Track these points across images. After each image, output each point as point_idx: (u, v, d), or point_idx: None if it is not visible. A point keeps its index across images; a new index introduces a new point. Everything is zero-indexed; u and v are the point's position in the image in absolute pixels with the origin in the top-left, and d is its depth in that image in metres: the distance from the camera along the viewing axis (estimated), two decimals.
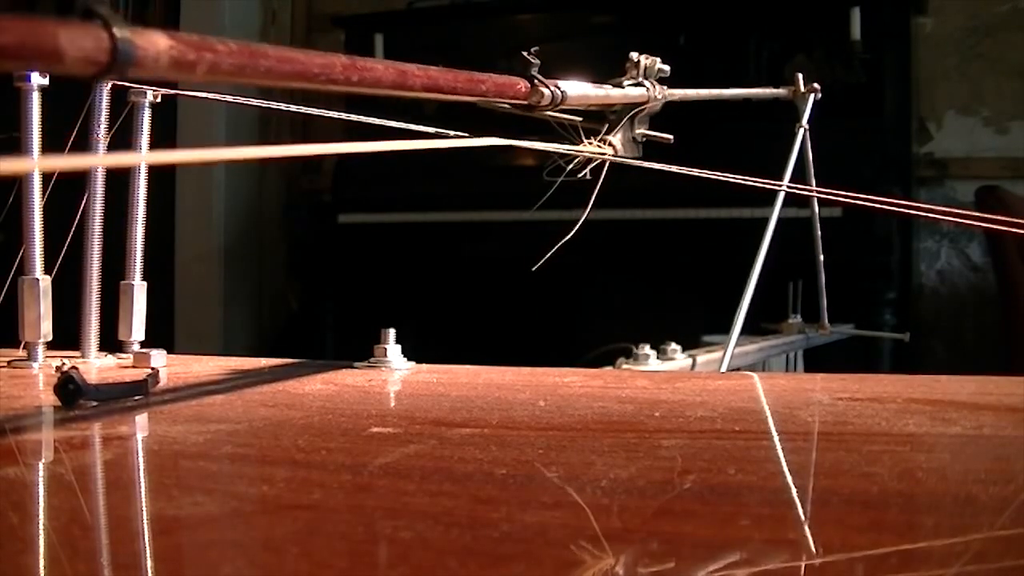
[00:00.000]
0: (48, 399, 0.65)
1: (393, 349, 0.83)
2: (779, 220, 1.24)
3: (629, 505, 0.40)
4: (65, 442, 0.54)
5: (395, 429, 0.58)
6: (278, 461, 0.50)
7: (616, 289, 2.59)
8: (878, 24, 2.49)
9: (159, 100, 0.89)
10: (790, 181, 1.20)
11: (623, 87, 0.81)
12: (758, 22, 2.60)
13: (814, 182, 1.31)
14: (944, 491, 0.43)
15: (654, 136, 0.85)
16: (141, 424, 0.60)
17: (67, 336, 0.87)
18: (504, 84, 0.64)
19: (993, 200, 2.24)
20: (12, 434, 0.55)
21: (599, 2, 2.84)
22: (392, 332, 0.83)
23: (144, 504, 0.42)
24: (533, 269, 0.79)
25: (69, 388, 0.60)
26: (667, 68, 0.86)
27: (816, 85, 1.26)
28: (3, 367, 0.81)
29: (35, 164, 0.81)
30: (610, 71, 0.85)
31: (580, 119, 0.80)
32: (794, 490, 0.43)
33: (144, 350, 0.85)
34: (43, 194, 0.82)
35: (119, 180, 0.88)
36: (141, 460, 0.51)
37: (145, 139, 0.89)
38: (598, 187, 0.78)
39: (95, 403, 0.61)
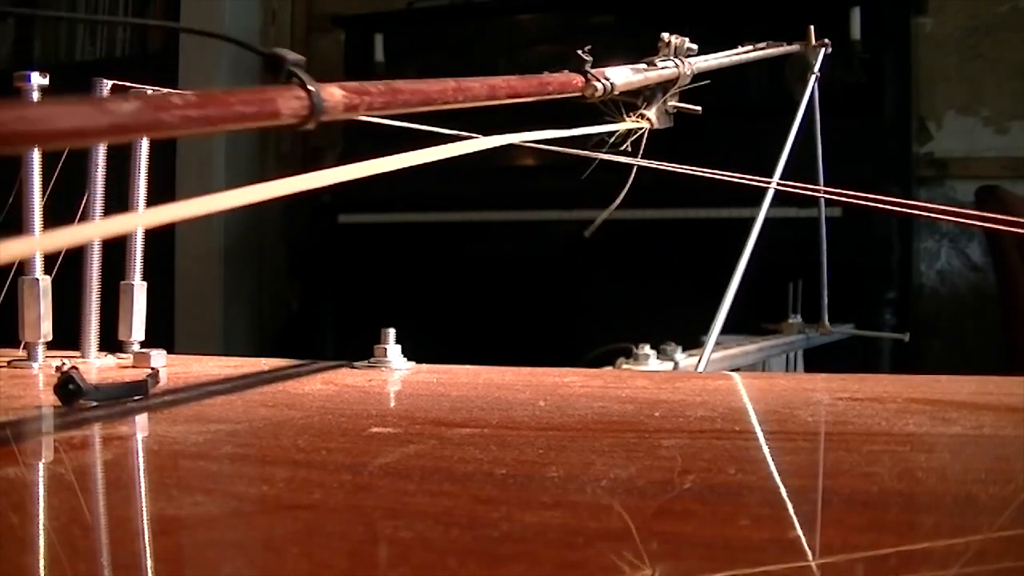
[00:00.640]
0: (48, 399, 0.65)
1: (393, 349, 0.83)
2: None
3: (629, 505, 0.40)
4: (65, 442, 0.54)
5: (395, 429, 0.58)
6: (278, 461, 0.50)
7: (616, 289, 2.59)
8: (878, 24, 2.49)
9: None
10: (782, 176, 1.21)
11: (656, 66, 0.88)
12: (758, 22, 2.60)
13: (822, 181, 1.34)
14: (944, 491, 0.43)
15: (684, 108, 0.92)
16: (141, 424, 0.60)
17: (67, 336, 0.87)
18: (565, 82, 0.74)
19: (993, 200, 2.24)
20: (12, 434, 0.55)
21: (599, 2, 2.84)
22: (392, 332, 0.83)
23: (144, 504, 0.42)
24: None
25: (69, 388, 0.60)
26: (695, 46, 0.94)
27: (826, 40, 1.35)
28: (3, 367, 0.81)
29: (35, 170, 0.81)
30: None
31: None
32: (794, 490, 0.43)
33: (144, 350, 0.85)
34: (43, 194, 0.82)
35: (119, 180, 0.88)
36: (141, 460, 0.51)
37: (145, 139, 0.89)
38: (639, 156, 0.85)
39: (95, 403, 0.61)
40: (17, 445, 0.52)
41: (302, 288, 3.09)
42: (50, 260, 0.83)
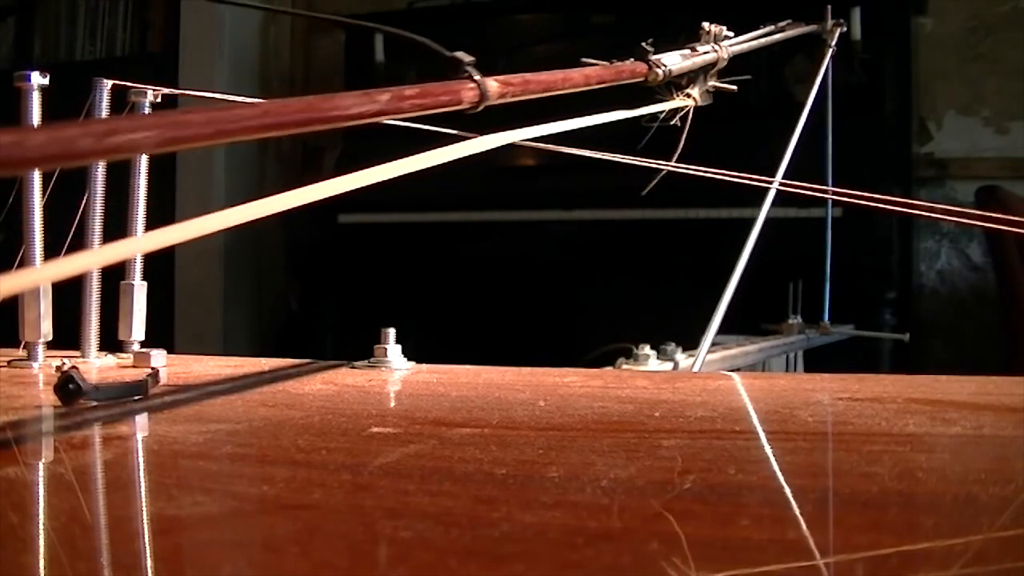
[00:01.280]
0: (48, 399, 0.65)
1: (393, 349, 0.83)
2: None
3: (629, 505, 0.40)
4: (65, 442, 0.54)
5: (395, 429, 0.58)
6: (278, 461, 0.50)
7: (616, 289, 2.59)
8: (878, 24, 2.49)
9: (159, 100, 0.89)
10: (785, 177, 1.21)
11: (698, 51, 1.01)
12: (758, 22, 2.60)
13: (831, 181, 1.39)
14: (944, 491, 0.43)
15: (722, 87, 1.04)
16: (141, 424, 0.60)
17: (67, 336, 0.87)
18: (634, 69, 0.88)
19: (993, 200, 2.24)
20: (12, 434, 0.55)
21: (599, 2, 2.84)
22: (392, 332, 0.83)
23: (144, 504, 0.41)
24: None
25: (69, 388, 0.60)
26: (731, 33, 1.09)
27: (841, 20, 1.47)
28: (3, 367, 0.81)
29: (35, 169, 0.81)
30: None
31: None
32: (794, 490, 0.43)
33: (144, 350, 0.85)
34: (43, 194, 0.82)
35: (119, 180, 0.88)
36: (141, 460, 0.51)
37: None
38: (685, 132, 0.96)
39: (95, 403, 0.61)
40: (17, 445, 0.52)
41: (302, 288, 3.09)
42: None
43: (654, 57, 0.90)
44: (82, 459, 0.51)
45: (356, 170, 0.58)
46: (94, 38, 3.43)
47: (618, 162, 0.86)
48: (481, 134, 0.67)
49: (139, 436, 0.58)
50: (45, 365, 0.81)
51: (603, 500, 0.41)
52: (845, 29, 1.45)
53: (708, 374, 1.14)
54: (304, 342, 2.95)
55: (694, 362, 1.17)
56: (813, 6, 2.65)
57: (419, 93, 0.57)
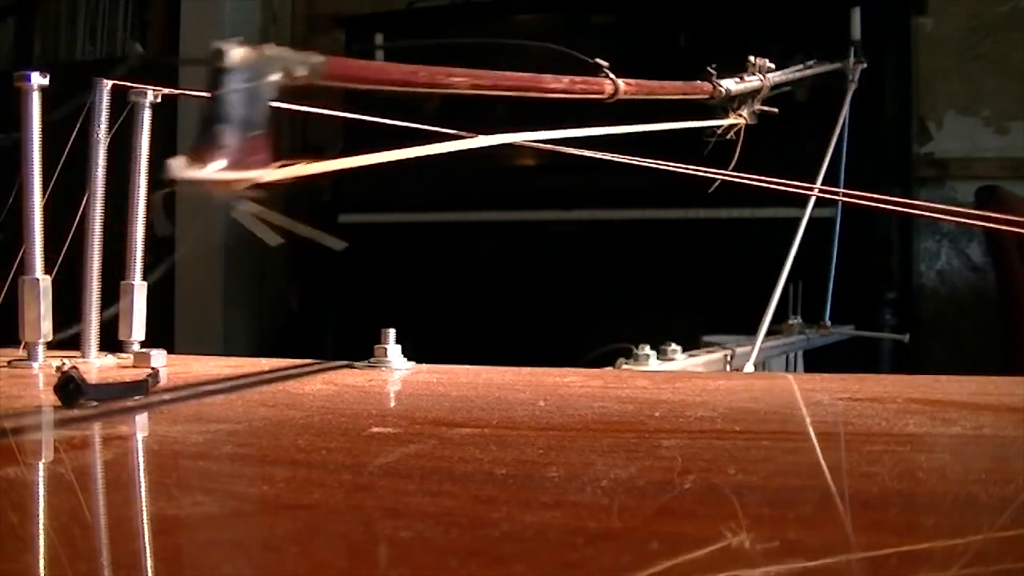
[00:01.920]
0: (48, 399, 0.65)
1: (393, 349, 0.83)
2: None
3: (629, 505, 0.40)
4: (65, 442, 0.54)
5: (395, 429, 0.58)
6: (278, 461, 0.50)
7: (616, 289, 2.59)
8: (878, 24, 2.48)
9: (159, 100, 0.89)
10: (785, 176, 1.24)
11: (745, 80, 1.20)
12: (758, 22, 2.60)
13: (843, 183, 1.48)
14: (944, 491, 0.43)
15: (766, 110, 1.22)
16: (141, 424, 0.60)
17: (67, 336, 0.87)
18: (704, 87, 1.08)
19: (993, 200, 2.23)
20: (12, 434, 0.55)
21: (599, 2, 2.83)
22: (392, 332, 0.83)
23: (144, 504, 0.41)
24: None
25: (69, 388, 0.60)
26: (772, 64, 1.25)
27: (863, 59, 1.68)
28: (3, 367, 0.81)
29: (35, 170, 0.81)
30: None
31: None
32: (794, 490, 0.43)
33: (144, 350, 0.85)
34: (43, 194, 0.82)
35: (119, 180, 0.88)
36: (141, 460, 0.51)
37: (145, 139, 0.89)
38: (739, 147, 1.11)
39: (95, 403, 0.61)
40: (17, 445, 0.52)
41: (302, 288, 3.09)
42: (50, 260, 0.83)
43: (716, 80, 1.11)
44: (82, 459, 0.51)
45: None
46: (94, 38, 3.43)
47: (617, 163, 0.86)
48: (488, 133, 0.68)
49: (139, 436, 0.58)
50: (45, 365, 0.81)
51: (603, 500, 0.41)
52: (865, 66, 1.64)
53: (708, 374, 1.14)
54: (304, 342, 2.95)
55: (747, 361, 1.30)
56: (814, 6, 2.65)
57: (582, 82, 0.81)
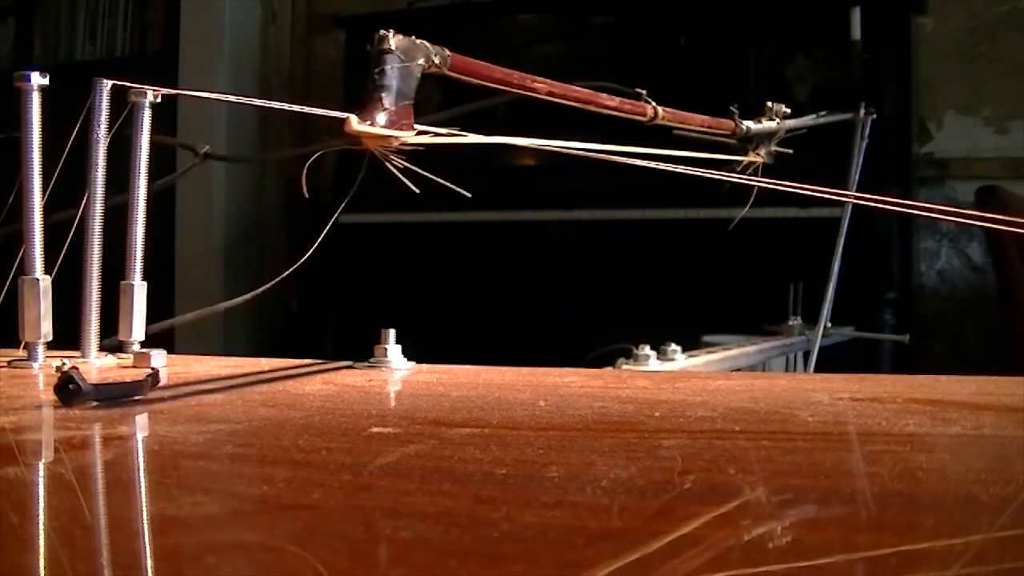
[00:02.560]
0: (48, 399, 0.65)
1: (393, 349, 0.83)
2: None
3: (629, 505, 0.40)
4: (65, 442, 0.54)
5: (395, 429, 0.58)
6: (278, 461, 0.50)
7: (616, 289, 2.59)
8: (878, 24, 2.49)
9: (159, 100, 0.89)
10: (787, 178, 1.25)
11: (763, 123, 1.27)
12: (758, 22, 2.60)
13: (855, 186, 1.53)
14: (944, 491, 0.43)
15: (780, 151, 1.29)
16: (141, 424, 0.60)
17: (67, 336, 0.87)
18: (728, 124, 1.17)
19: (993, 200, 2.24)
20: (12, 434, 0.55)
21: (599, 2, 2.83)
22: (392, 332, 0.83)
23: (144, 504, 0.41)
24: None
25: (69, 388, 0.60)
26: (788, 110, 1.33)
27: (872, 109, 1.68)
28: (3, 367, 0.81)
29: (35, 170, 0.81)
30: (610, 71, 0.95)
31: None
32: (794, 490, 0.43)
33: (144, 350, 0.85)
34: (43, 194, 0.82)
35: (119, 180, 0.88)
36: (141, 460, 0.51)
37: (145, 139, 0.89)
38: (755, 190, 1.11)
39: (95, 403, 0.61)
40: (17, 445, 0.52)
41: (302, 288, 3.09)
42: (50, 260, 0.83)
43: (739, 119, 1.20)
44: (82, 459, 0.51)
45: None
46: (94, 38, 3.43)
47: (618, 163, 0.86)
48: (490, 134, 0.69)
49: (139, 436, 0.58)
50: (45, 365, 0.81)
51: (603, 500, 0.41)
52: (875, 117, 1.66)
53: (708, 373, 1.14)
54: (304, 342, 2.95)
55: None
56: (814, 6, 2.65)
57: (632, 104, 0.92)
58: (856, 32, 2.44)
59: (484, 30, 2.89)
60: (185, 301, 3.10)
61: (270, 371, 0.82)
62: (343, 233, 2.69)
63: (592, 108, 0.86)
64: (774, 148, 1.30)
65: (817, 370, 1.60)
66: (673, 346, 1.18)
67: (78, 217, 0.85)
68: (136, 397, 0.64)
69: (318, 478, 0.45)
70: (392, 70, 0.67)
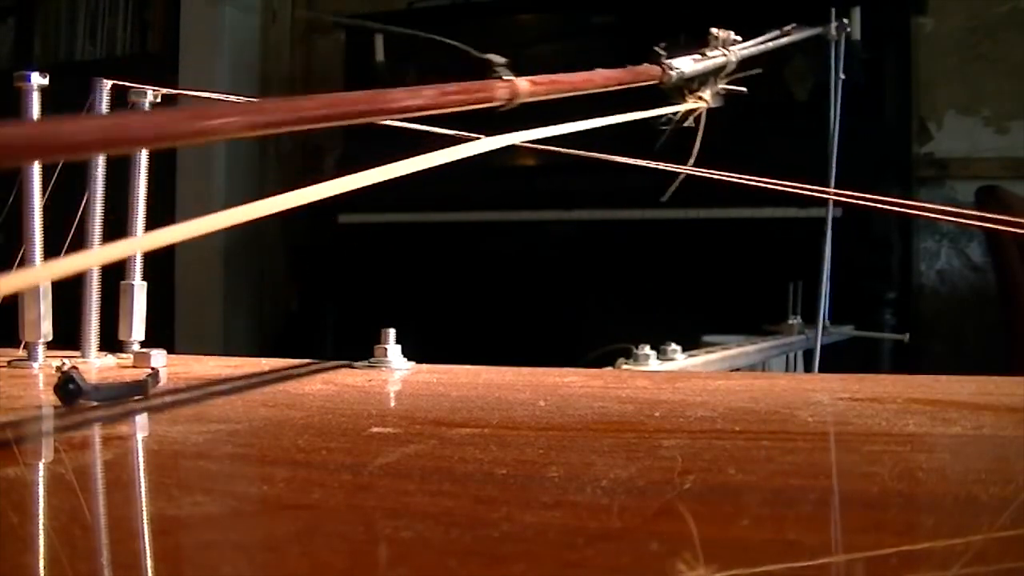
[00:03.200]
0: (48, 399, 0.65)
1: (393, 349, 0.83)
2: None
3: (629, 505, 0.40)
4: (65, 442, 0.54)
5: (395, 429, 0.58)
6: (278, 461, 0.50)
7: (616, 289, 2.59)
8: (878, 24, 2.48)
9: (159, 100, 0.89)
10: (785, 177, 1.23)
11: (707, 56, 1.03)
12: (758, 22, 2.59)
13: (833, 183, 1.43)
14: (944, 491, 0.43)
15: (731, 89, 1.07)
16: (141, 424, 0.60)
17: (67, 336, 0.87)
18: (650, 72, 0.92)
19: (993, 200, 2.24)
20: (12, 434, 0.55)
21: (599, 2, 2.83)
22: (392, 332, 0.83)
23: (144, 504, 0.42)
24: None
25: (69, 388, 0.60)
26: (739, 38, 1.13)
27: (845, 20, 1.55)
28: (3, 367, 0.81)
29: (35, 169, 0.81)
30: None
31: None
32: (794, 490, 0.43)
33: (144, 350, 0.85)
34: (43, 194, 0.82)
35: (119, 180, 0.88)
36: (141, 460, 0.51)
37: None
38: (700, 133, 0.99)
39: (95, 403, 0.61)
40: (17, 445, 0.52)
41: (302, 288, 3.09)
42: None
43: (667, 61, 0.95)
44: (82, 459, 0.51)
45: (356, 171, 0.59)
46: (94, 38, 3.43)
47: (619, 163, 0.86)
48: (490, 135, 0.67)
49: (139, 436, 0.58)
50: (45, 365, 0.81)
51: (603, 500, 0.41)
52: (849, 29, 1.51)
53: (708, 373, 1.14)
54: (304, 342, 2.95)
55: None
56: (814, 7, 2.65)
57: (458, 90, 0.61)
58: (856, 32, 2.44)
59: (484, 30, 2.89)
60: (185, 301, 3.10)
61: (270, 371, 0.82)
62: (343, 233, 2.69)
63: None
64: (723, 87, 1.06)
65: (817, 370, 1.60)
66: (673, 346, 1.18)
67: (78, 217, 0.86)
68: (136, 397, 0.64)
69: (318, 478, 0.45)
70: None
